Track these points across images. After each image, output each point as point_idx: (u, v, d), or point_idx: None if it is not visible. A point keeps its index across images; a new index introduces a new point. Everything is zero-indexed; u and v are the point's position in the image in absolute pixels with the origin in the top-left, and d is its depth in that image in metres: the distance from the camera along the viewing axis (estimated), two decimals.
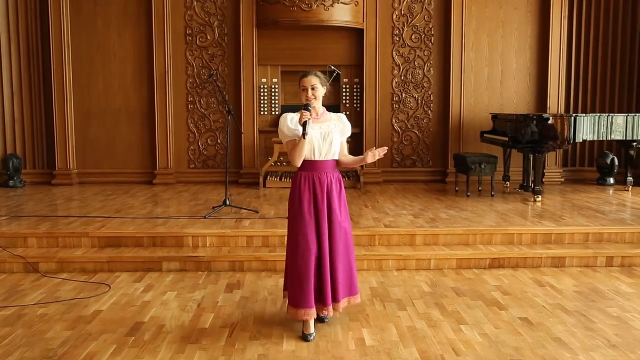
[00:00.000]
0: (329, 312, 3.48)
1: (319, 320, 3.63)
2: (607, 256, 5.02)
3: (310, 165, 3.48)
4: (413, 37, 8.28)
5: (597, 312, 3.90)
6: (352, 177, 7.89)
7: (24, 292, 4.32)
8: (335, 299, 3.49)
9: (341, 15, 7.83)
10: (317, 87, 3.47)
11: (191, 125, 8.25)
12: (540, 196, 6.66)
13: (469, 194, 7.03)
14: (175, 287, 4.44)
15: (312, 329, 3.45)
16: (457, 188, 7.44)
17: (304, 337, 3.42)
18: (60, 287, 4.44)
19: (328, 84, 3.59)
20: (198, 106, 8.23)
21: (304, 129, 3.33)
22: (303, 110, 3.37)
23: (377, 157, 3.42)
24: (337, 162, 3.59)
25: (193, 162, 8.34)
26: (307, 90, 3.46)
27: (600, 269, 4.92)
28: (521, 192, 7.33)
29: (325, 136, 3.46)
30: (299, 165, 3.48)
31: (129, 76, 8.21)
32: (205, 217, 5.69)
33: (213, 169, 8.30)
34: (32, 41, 8.09)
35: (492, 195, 6.99)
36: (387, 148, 3.48)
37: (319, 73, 3.52)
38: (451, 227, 5.30)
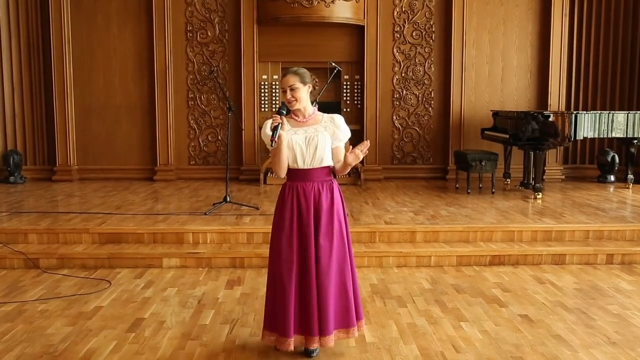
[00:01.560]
0: (316, 343, 3.02)
1: (306, 354, 3.13)
2: (608, 254, 5.02)
3: (295, 174, 3.09)
4: (414, 34, 8.26)
5: (597, 309, 3.90)
6: (352, 174, 7.88)
7: (24, 288, 4.33)
8: (323, 332, 3.00)
9: (342, 12, 7.82)
10: (297, 88, 3.03)
11: (192, 121, 8.25)
12: (540, 193, 6.66)
13: (469, 191, 7.03)
14: (176, 283, 4.45)
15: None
16: (457, 185, 7.44)
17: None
18: (61, 283, 4.44)
19: (311, 81, 3.11)
20: (199, 103, 8.23)
21: (273, 136, 2.94)
22: (274, 115, 3.01)
23: (360, 156, 2.99)
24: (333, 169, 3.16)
25: (194, 159, 8.33)
26: (286, 92, 3.04)
27: (600, 267, 4.93)
28: (522, 190, 7.33)
29: (309, 141, 3.03)
30: (282, 175, 3.11)
31: (130, 72, 8.20)
32: (205, 214, 5.69)
33: (214, 165, 8.30)
34: (32, 37, 8.07)
35: (493, 193, 6.99)
36: (369, 143, 3.04)
37: (300, 70, 3.07)
38: (451, 224, 5.30)
